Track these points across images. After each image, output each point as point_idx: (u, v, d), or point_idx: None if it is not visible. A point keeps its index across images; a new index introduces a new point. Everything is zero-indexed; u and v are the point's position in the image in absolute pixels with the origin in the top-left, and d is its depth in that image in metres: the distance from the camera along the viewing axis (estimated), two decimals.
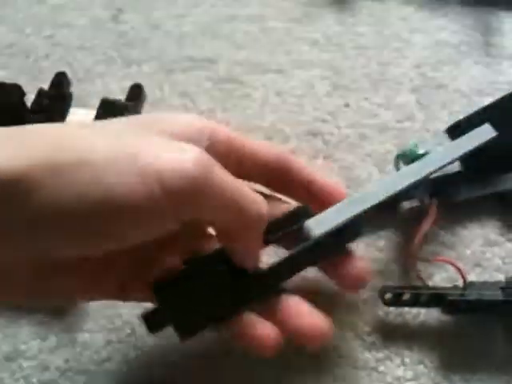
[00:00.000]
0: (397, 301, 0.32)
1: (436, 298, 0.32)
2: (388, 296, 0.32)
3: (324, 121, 0.39)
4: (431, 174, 0.32)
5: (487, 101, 0.38)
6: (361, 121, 0.39)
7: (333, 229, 0.29)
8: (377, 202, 0.30)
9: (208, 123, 0.28)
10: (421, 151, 0.32)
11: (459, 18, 0.43)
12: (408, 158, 0.32)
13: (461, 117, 0.36)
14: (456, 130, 0.35)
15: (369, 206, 0.30)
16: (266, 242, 0.29)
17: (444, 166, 0.32)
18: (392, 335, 0.33)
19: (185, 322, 0.28)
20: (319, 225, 0.29)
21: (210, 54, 0.42)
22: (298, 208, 0.30)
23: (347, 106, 0.40)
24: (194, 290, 0.28)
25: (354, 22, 0.43)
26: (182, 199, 0.23)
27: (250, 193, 0.26)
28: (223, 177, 0.25)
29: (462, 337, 0.32)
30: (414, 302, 0.32)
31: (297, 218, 0.30)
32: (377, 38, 0.43)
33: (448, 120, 0.37)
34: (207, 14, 0.44)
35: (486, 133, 0.33)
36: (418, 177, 0.31)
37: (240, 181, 0.26)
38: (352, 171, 0.37)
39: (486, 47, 0.42)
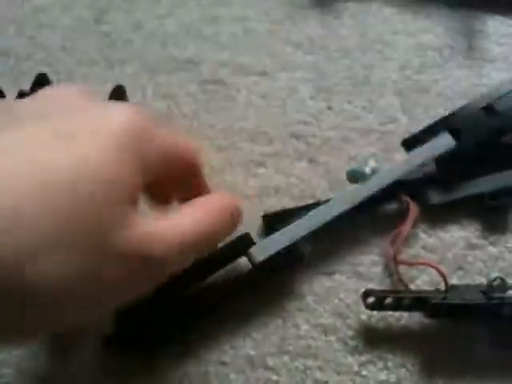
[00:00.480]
0: (379, 305, 0.32)
1: (418, 302, 0.32)
2: (370, 300, 0.32)
3: (307, 123, 0.39)
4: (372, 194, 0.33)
5: None
6: (344, 124, 0.39)
7: (274, 253, 0.32)
8: (314, 228, 0.32)
9: None
10: (367, 169, 0.33)
11: (442, 20, 0.43)
12: (354, 176, 0.33)
13: None
14: (413, 142, 0.36)
15: (306, 232, 0.32)
16: None
17: (389, 184, 0.33)
18: (375, 339, 0.33)
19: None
20: (262, 251, 0.32)
21: (193, 55, 0.42)
22: (240, 237, 0.32)
23: (330, 108, 0.40)
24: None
25: (337, 25, 0.43)
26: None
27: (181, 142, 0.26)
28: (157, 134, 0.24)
29: (445, 340, 0.33)
30: (397, 306, 0.32)
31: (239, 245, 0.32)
32: (360, 41, 0.43)
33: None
34: (191, 15, 0.44)
35: (444, 143, 0.34)
36: (358, 199, 0.33)
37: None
38: (335, 174, 0.37)
39: (469, 50, 0.42)
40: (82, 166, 0.21)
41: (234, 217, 0.28)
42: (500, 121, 0.35)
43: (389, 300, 0.32)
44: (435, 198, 0.35)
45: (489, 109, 0.36)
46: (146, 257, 0.22)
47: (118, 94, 0.36)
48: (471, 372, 0.32)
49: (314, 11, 0.44)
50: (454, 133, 0.35)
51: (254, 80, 0.41)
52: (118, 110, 0.23)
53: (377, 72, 0.41)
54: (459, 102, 0.39)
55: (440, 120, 0.36)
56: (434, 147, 0.35)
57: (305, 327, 0.33)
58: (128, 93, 0.39)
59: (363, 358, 0.32)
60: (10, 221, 0.19)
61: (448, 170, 0.35)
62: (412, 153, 0.35)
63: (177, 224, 0.24)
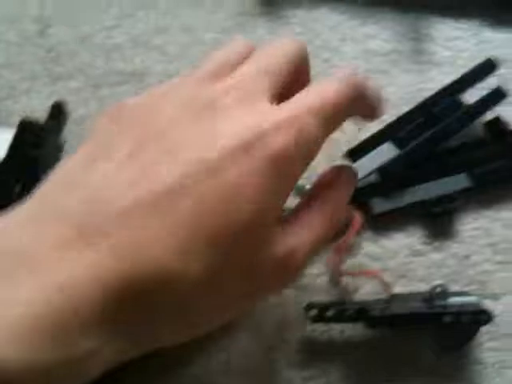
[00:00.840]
0: (322, 317, 0.32)
1: (360, 313, 0.32)
2: (313, 313, 0.32)
3: None
4: None
5: None
6: None
7: None
8: None
9: None
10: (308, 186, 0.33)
11: (390, 25, 0.43)
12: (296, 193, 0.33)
13: None
14: (357, 152, 0.36)
15: None
16: None
17: None
18: (318, 352, 0.33)
19: None
20: None
21: (140, 67, 0.42)
22: None
23: None
24: None
25: (285, 32, 0.43)
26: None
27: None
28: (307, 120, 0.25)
29: (388, 349, 0.33)
30: (339, 318, 0.32)
31: None
32: (308, 48, 0.42)
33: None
34: (139, 26, 0.44)
35: (387, 151, 0.34)
36: None
37: None
38: None
39: (416, 54, 0.42)
40: (235, 193, 0.22)
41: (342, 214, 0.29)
42: (441, 128, 0.35)
43: (331, 312, 0.32)
44: (379, 207, 0.35)
45: (429, 116, 0.36)
46: (292, 269, 0.25)
47: (57, 110, 0.36)
48: (416, 380, 0.32)
49: (263, 19, 0.44)
50: (397, 141, 0.35)
51: None
52: (274, 132, 0.23)
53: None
54: (404, 108, 0.39)
55: (383, 129, 0.36)
56: (378, 156, 0.35)
57: (248, 342, 0.33)
58: (71, 107, 0.38)
59: (306, 373, 0.32)
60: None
61: (391, 178, 0.35)
62: (357, 163, 0.35)
63: (306, 235, 0.25)
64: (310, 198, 0.27)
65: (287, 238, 0.24)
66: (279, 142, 0.23)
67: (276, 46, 0.28)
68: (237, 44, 0.28)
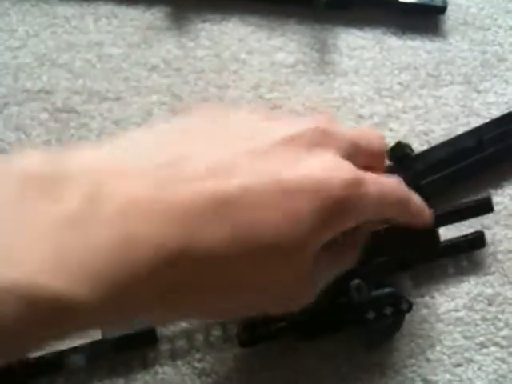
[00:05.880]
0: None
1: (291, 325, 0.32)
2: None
3: None
4: None
5: None
6: None
7: None
8: None
9: None
10: None
11: (296, 36, 0.44)
12: None
13: None
14: None
15: None
16: None
17: None
18: (222, 360, 0.33)
19: None
20: None
21: (46, 85, 0.42)
22: None
23: None
24: None
25: (193, 46, 0.44)
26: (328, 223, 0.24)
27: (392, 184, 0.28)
28: (371, 189, 0.25)
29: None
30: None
31: None
32: (215, 61, 0.43)
33: None
34: (46, 44, 0.44)
35: None
36: None
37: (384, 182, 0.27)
38: None
39: (322, 65, 0.43)
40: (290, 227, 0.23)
41: None
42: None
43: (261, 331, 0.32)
44: None
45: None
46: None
47: None
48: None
49: (172, 33, 0.44)
50: None
51: (107, 106, 0.41)
52: (340, 169, 0.25)
53: (231, 92, 0.42)
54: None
55: None
56: None
57: (152, 354, 0.33)
58: None
59: (210, 380, 0.33)
60: None
61: None
62: None
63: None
64: None
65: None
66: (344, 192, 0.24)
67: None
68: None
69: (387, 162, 0.36)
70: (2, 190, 0.21)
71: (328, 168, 0.24)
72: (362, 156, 0.27)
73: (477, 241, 0.36)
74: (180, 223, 0.21)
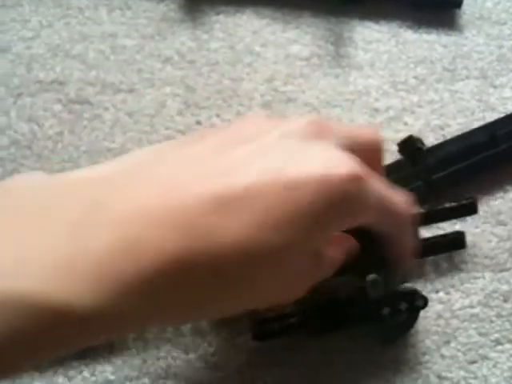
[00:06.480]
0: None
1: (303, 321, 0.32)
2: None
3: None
4: None
5: (335, 112, 0.39)
6: None
7: None
8: None
9: None
10: None
11: (311, 29, 0.44)
12: None
13: None
14: None
15: None
16: None
17: None
18: (234, 355, 0.33)
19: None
20: None
21: (60, 76, 0.42)
22: None
23: (199, 123, 0.40)
24: None
25: (207, 38, 0.43)
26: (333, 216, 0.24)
27: (394, 196, 0.28)
28: (373, 186, 0.25)
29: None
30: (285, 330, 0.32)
31: None
32: (229, 54, 0.43)
33: None
34: (59, 35, 0.43)
35: None
36: None
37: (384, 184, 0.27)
38: None
39: (337, 58, 0.43)
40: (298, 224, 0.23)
41: None
42: None
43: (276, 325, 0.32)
44: None
45: None
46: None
47: None
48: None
49: (185, 25, 0.44)
50: None
51: (121, 98, 0.41)
52: (344, 163, 0.25)
53: (245, 85, 0.42)
54: (324, 111, 0.40)
55: None
56: None
57: (165, 347, 0.33)
58: None
59: (222, 374, 0.32)
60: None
61: None
62: None
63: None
64: None
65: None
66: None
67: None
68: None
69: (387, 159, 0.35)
70: (3, 202, 0.21)
71: (329, 160, 0.25)
72: (358, 151, 0.27)
73: (457, 241, 0.36)
74: (183, 227, 0.21)
